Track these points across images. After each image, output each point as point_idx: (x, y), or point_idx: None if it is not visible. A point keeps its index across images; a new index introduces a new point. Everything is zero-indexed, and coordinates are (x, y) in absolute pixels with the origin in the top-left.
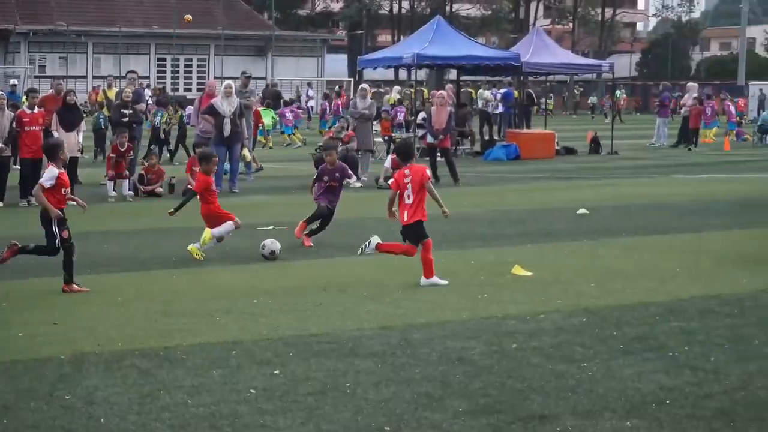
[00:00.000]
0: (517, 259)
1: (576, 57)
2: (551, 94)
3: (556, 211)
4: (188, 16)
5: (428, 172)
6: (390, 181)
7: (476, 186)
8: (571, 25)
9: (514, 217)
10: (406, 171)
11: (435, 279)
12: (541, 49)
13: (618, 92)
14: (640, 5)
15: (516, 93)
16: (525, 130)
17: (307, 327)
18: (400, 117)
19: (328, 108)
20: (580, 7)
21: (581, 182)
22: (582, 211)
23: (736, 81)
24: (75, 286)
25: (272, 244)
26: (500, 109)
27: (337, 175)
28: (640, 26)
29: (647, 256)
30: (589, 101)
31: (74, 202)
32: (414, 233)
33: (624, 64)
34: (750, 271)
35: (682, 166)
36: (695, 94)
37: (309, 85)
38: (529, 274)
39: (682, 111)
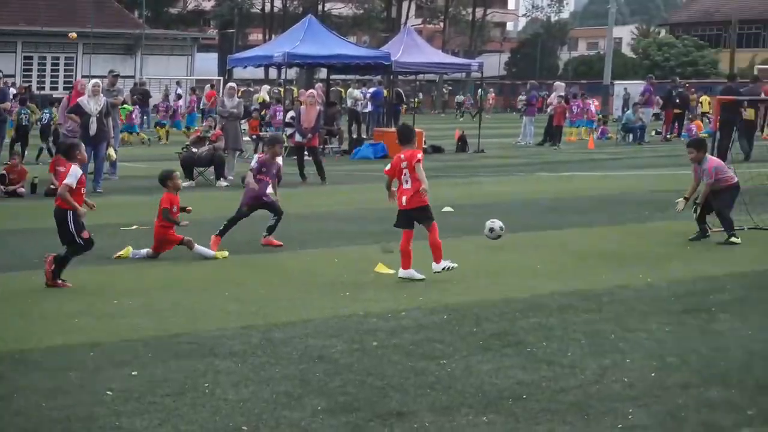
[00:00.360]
0: (380, 256)
1: (446, 56)
2: (420, 93)
3: None
4: (73, 34)
5: (420, 155)
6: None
7: (344, 184)
8: (442, 24)
9: (379, 215)
10: (402, 155)
11: (446, 262)
12: (412, 48)
13: (481, 91)
14: (511, 5)
15: (385, 92)
16: (393, 129)
17: (167, 327)
18: (279, 116)
19: (196, 104)
20: (452, 7)
21: (447, 180)
22: (447, 209)
23: (602, 80)
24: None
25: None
26: (369, 108)
27: (273, 171)
28: (510, 26)
29: (510, 254)
30: (456, 99)
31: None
32: (411, 218)
33: (493, 64)
34: (609, 268)
35: (546, 164)
36: (561, 93)
37: (177, 83)
38: (392, 272)
39: (548, 110)
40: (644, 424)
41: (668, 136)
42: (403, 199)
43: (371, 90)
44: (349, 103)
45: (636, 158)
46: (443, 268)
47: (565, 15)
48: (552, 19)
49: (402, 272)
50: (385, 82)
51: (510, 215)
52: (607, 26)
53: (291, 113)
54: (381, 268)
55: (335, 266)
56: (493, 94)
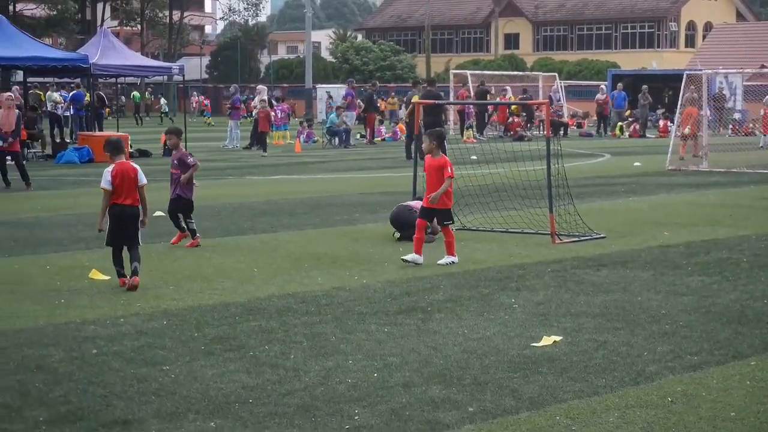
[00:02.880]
0: (94, 263)
1: (145, 59)
2: (123, 97)
3: None
4: None
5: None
6: None
7: (50, 190)
8: (139, 27)
9: (90, 221)
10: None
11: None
12: (110, 51)
13: (163, 100)
14: (208, 8)
15: (87, 95)
16: (97, 133)
17: None
18: None
19: None
20: (148, 9)
21: (157, 185)
22: (158, 213)
23: (304, 84)
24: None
25: None
26: (70, 111)
27: (175, 162)
28: (208, 29)
29: (224, 257)
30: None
31: None
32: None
33: (195, 67)
34: (324, 270)
35: (255, 167)
36: (264, 97)
37: None
38: (107, 278)
39: (254, 113)
40: (370, 424)
41: (374, 140)
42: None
43: (71, 93)
44: (48, 106)
45: (342, 161)
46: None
47: (262, 18)
48: (249, 23)
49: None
50: (84, 85)
51: (222, 218)
52: (305, 30)
53: None
54: (95, 275)
55: (47, 273)
56: (195, 97)
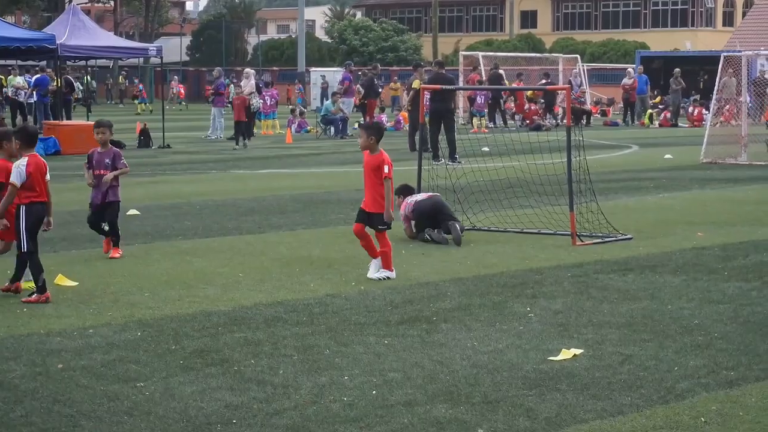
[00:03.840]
0: (59, 267)
1: (119, 39)
2: (94, 81)
3: None
4: None
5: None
6: None
7: None
8: (112, 3)
9: (57, 219)
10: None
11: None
12: (80, 31)
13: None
14: None
15: (53, 80)
16: (65, 122)
17: None
18: None
19: None
20: None
21: (131, 179)
22: (132, 212)
23: (296, 67)
24: None
25: None
26: (34, 97)
27: (107, 161)
28: (190, 6)
29: (207, 261)
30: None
31: None
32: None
33: (174, 48)
34: (317, 275)
35: (241, 160)
36: (252, 81)
37: None
38: (75, 284)
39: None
40: None
41: None
42: None
43: (35, 77)
44: (10, 92)
45: (339, 153)
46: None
47: None
48: None
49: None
50: (51, 68)
51: (204, 218)
52: (297, 7)
53: None
54: (61, 280)
55: (6, 278)
56: (175, 82)
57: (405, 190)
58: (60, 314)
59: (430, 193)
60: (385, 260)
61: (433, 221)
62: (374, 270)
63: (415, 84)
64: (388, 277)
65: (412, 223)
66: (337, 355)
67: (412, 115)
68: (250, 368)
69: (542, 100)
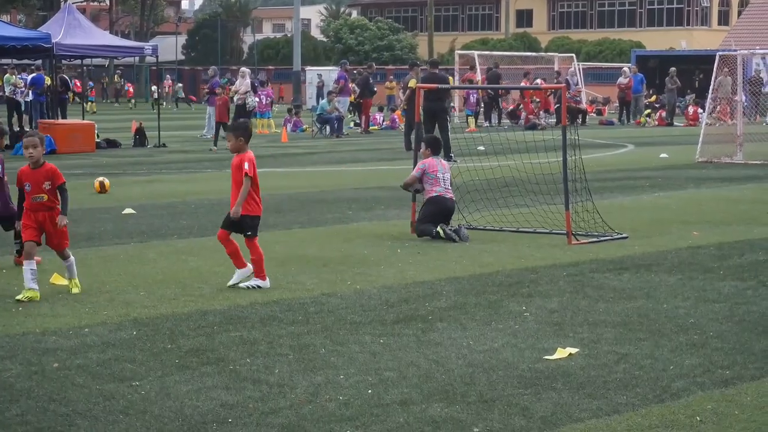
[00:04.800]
0: (56, 266)
1: (115, 38)
2: (90, 81)
3: (98, 212)
4: None
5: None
6: None
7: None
8: (108, 2)
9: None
10: None
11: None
12: (75, 29)
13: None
14: None
15: (48, 79)
16: (60, 121)
17: None
18: None
19: None
20: None
21: (127, 178)
22: (128, 210)
23: (292, 66)
24: None
25: None
26: (30, 96)
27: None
28: (185, 5)
29: (202, 260)
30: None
31: None
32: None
33: (170, 47)
34: (313, 274)
35: None
36: (248, 80)
37: None
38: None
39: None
40: None
41: (369, 129)
42: None
43: (31, 76)
44: (7, 90)
45: (334, 152)
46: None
47: None
48: None
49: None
50: (47, 67)
51: (199, 216)
52: (293, 6)
53: None
54: (57, 279)
55: (2, 277)
56: (169, 81)
57: (434, 144)
58: (55, 313)
59: (451, 192)
60: (257, 268)
61: (438, 219)
62: (236, 278)
63: (411, 83)
64: (259, 287)
65: (419, 200)
66: (333, 354)
67: (408, 115)
68: (245, 367)
69: (537, 100)
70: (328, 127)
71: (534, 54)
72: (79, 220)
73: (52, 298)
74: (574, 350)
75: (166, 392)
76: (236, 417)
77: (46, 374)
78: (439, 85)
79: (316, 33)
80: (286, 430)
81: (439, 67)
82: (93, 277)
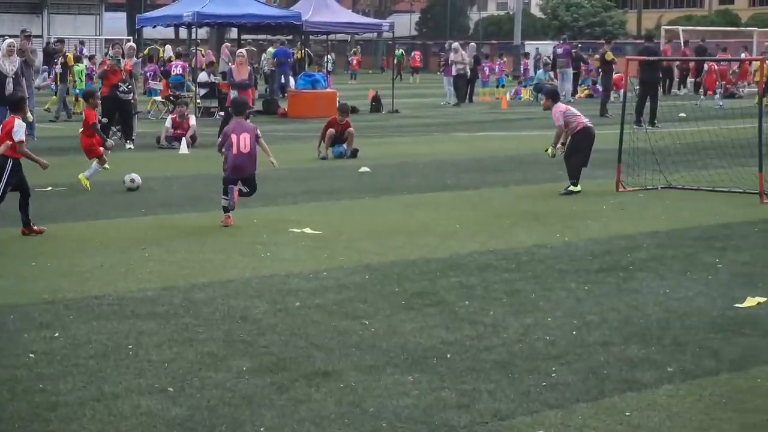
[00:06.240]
0: (300, 217)
1: (356, 16)
2: (333, 54)
3: (338, 170)
4: None
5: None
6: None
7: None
8: None
9: (298, 175)
10: None
11: None
12: (322, 8)
13: (399, 52)
14: None
15: (297, 53)
16: (307, 90)
17: (87, 289)
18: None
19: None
20: None
21: (363, 141)
22: (364, 169)
23: (512, 41)
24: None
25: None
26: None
27: None
28: None
29: (428, 213)
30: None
31: None
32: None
33: (404, 24)
34: (526, 227)
35: (461, 124)
36: (464, 52)
37: (81, 43)
38: (313, 232)
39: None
40: (567, 382)
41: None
42: None
43: (275, 50)
44: (265, 67)
45: (548, 118)
46: None
47: None
48: None
49: None
50: (295, 41)
51: (426, 175)
52: None
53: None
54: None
55: (254, 226)
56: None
57: (553, 94)
58: (298, 258)
59: (586, 122)
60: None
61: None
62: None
63: (608, 56)
64: None
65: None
66: (542, 298)
67: (604, 83)
68: (463, 309)
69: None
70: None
71: (735, 29)
72: (319, 177)
73: (295, 245)
74: (763, 299)
75: (393, 329)
76: (454, 353)
77: (289, 312)
78: (650, 58)
79: (535, 11)
80: (498, 366)
81: (654, 40)
82: (331, 227)
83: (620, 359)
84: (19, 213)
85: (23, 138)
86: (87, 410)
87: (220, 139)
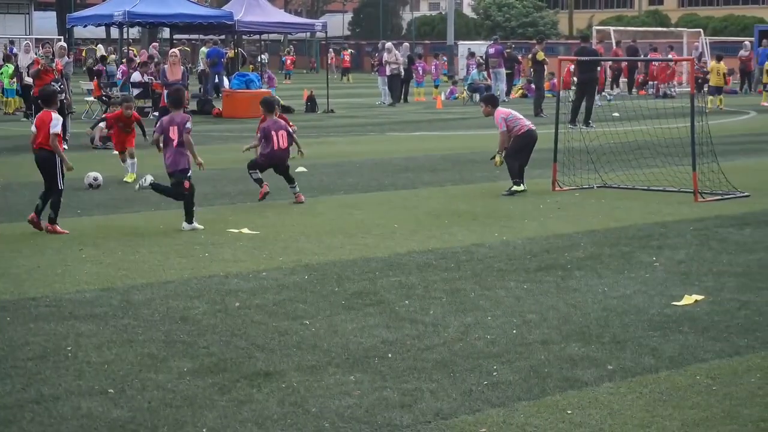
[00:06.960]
0: (237, 218)
1: (289, 16)
2: (266, 54)
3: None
4: None
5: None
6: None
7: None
8: None
9: (234, 176)
10: None
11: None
12: (254, 8)
13: (331, 50)
14: None
15: (230, 52)
16: (241, 90)
17: (24, 290)
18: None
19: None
20: None
21: (299, 141)
22: (300, 169)
23: (446, 41)
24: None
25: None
26: (201, 66)
27: None
28: None
29: (366, 213)
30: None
31: None
32: None
33: (337, 24)
34: (464, 226)
35: (396, 124)
36: (397, 52)
37: (12, 42)
38: (251, 232)
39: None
40: (508, 380)
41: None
42: None
43: (208, 50)
44: (202, 64)
45: (483, 118)
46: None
47: None
48: None
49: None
50: (229, 42)
51: (363, 175)
52: None
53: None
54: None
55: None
56: (332, 54)
57: (491, 100)
58: (237, 259)
59: (529, 125)
60: None
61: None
62: None
63: (539, 56)
64: None
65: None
66: (482, 297)
67: (536, 83)
68: (404, 308)
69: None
70: (477, 95)
71: (664, 29)
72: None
73: (234, 245)
74: (699, 297)
75: (333, 329)
76: (396, 352)
77: (229, 312)
78: (589, 58)
79: (467, 11)
80: (440, 365)
81: (589, 41)
82: (270, 227)
83: (560, 357)
84: None
85: (59, 131)
86: (26, 413)
87: (156, 133)
